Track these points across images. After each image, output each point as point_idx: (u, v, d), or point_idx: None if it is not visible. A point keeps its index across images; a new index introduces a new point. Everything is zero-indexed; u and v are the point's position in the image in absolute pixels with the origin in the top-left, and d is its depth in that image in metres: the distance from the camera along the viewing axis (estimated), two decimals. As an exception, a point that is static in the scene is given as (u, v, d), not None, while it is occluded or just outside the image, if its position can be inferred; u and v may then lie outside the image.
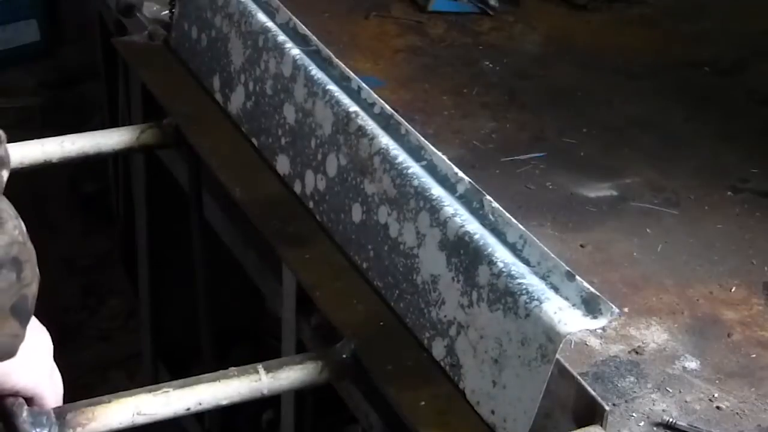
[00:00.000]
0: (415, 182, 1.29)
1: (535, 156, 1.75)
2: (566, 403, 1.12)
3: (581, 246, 1.54)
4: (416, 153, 1.33)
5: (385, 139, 1.35)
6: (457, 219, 1.22)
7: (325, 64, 1.50)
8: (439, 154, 1.31)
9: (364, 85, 1.43)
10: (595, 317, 1.09)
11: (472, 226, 1.21)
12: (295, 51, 1.53)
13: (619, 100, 1.94)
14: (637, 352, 1.35)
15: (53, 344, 1.17)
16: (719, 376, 1.32)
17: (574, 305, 1.10)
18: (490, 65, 2.04)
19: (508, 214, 1.22)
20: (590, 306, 1.10)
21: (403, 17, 2.20)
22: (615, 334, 1.38)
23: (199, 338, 2.02)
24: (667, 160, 1.77)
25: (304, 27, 1.57)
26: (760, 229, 1.61)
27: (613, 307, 1.09)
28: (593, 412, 1.10)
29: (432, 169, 1.30)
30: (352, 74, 1.46)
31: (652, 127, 1.86)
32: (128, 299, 2.97)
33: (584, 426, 1.10)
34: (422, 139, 1.33)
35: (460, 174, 1.27)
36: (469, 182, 1.26)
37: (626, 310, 1.42)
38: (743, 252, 1.56)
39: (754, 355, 1.36)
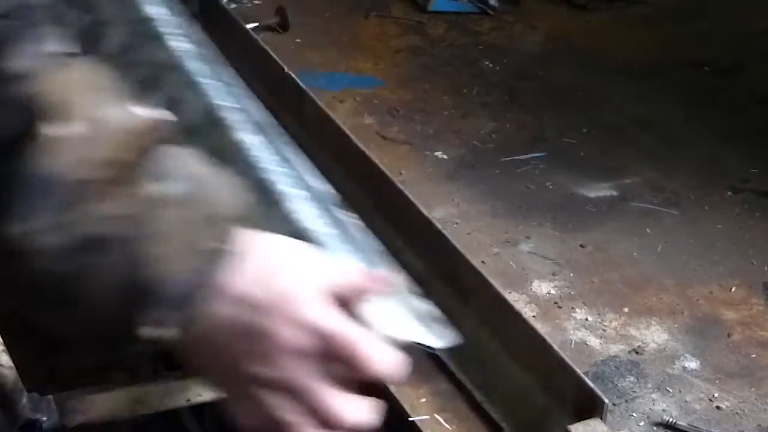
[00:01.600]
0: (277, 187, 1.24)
1: (535, 156, 1.75)
2: (566, 397, 1.12)
3: (581, 246, 1.54)
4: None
5: None
6: None
7: (203, 61, 1.46)
8: (306, 163, 1.26)
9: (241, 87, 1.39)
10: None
11: None
12: (176, 44, 1.48)
13: (619, 100, 1.94)
14: (637, 352, 1.35)
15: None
16: (719, 376, 1.32)
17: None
18: (490, 65, 2.04)
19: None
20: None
21: (403, 17, 2.20)
22: (615, 334, 1.38)
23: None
24: (667, 160, 1.77)
25: (189, 23, 1.53)
26: (760, 229, 1.61)
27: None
28: (593, 406, 1.10)
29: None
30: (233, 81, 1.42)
31: (652, 127, 1.86)
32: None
33: (584, 419, 1.10)
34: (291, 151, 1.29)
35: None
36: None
37: (626, 309, 1.42)
38: (743, 252, 1.56)
39: (754, 355, 1.36)
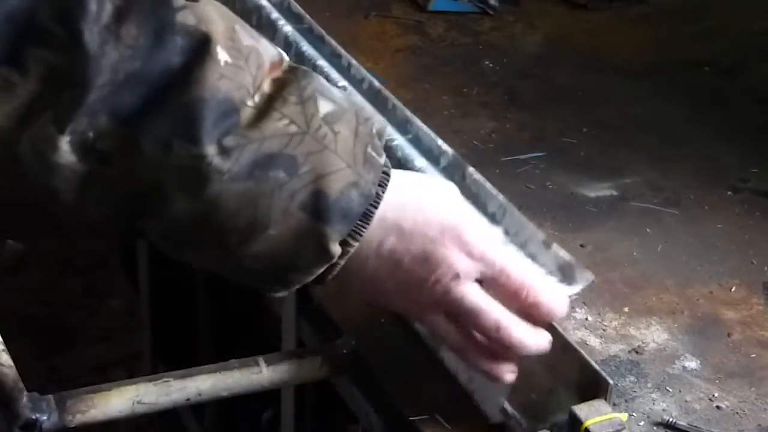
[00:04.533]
0: (399, 154, 1.27)
1: (535, 156, 1.75)
2: (570, 378, 1.11)
3: (581, 246, 1.54)
4: (402, 126, 1.31)
5: None
6: None
7: (317, 42, 1.48)
8: (425, 127, 1.30)
9: (354, 61, 1.42)
10: (569, 284, 1.09)
11: None
12: (288, 28, 1.50)
13: (619, 99, 1.94)
14: (637, 352, 1.35)
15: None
16: (719, 375, 1.32)
17: (550, 272, 1.10)
18: (491, 65, 2.04)
19: (489, 185, 1.20)
20: (566, 273, 1.10)
21: (403, 17, 2.20)
22: (615, 333, 1.38)
23: (199, 338, 2.02)
24: (667, 160, 1.77)
25: (297, 6, 1.55)
26: (760, 229, 1.61)
27: (589, 273, 1.09)
28: (597, 387, 1.09)
29: (417, 142, 1.29)
30: (343, 51, 1.44)
31: (652, 127, 1.86)
32: (128, 299, 2.97)
33: (589, 400, 1.10)
34: (409, 112, 1.32)
35: (445, 146, 1.26)
36: (453, 154, 1.25)
37: (626, 309, 1.42)
38: (743, 252, 1.56)
39: (754, 355, 1.36)
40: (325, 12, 2.18)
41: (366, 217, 0.96)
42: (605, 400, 1.09)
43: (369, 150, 0.95)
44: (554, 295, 1.06)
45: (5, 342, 1.21)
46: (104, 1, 0.86)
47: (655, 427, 1.23)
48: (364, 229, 0.96)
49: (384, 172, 0.98)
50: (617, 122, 1.87)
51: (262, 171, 0.90)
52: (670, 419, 1.23)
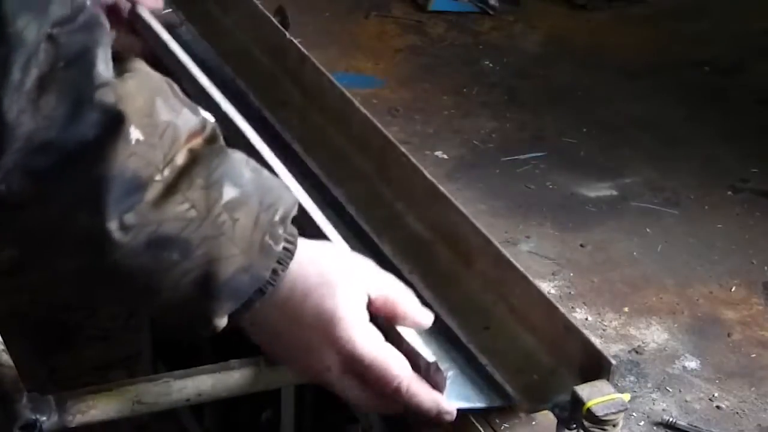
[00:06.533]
0: None
1: (535, 156, 1.75)
2: (572, 359, 1.11)
3: (581, 246, 1.54)
4: None
5: None
6: None
7: None
8: None
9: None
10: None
11: None
12: None
13: (619, 99, 1.94)
14: (637, 352, 1.35)
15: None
16: (719, 375, 1.32)
17: None
18: (490, 65, 2.04)
19: None
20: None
21: (403, 17, 2.20)
22: (615, 333, 1.38)
23: (199, 338, 2.01)
24: (667, 159, 1.77)
25: None
26: (760, 229, 1.61)
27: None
28: (599, 367, 1.09)
29: None
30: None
31: (652, 127, 1.86)
32: (128, 299, 2.96)
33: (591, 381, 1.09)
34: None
35: None
36: None
37: (626, 309, 1.43)
38: (743, 252, 1.56)
39: (754, 355, 1.36)
40: (325, 12, 2.18)
41: (257, 295, 1.01)
42: (607, 380, 1.09)
43: (266, 238, 0.99)
44: (420, 395, 1.08)
45: (5, 342, 1.21)
46: (29, 70, 0.88)
47: (655, 427, 1.23)
48: (253, 306, 1.01)
49: (280, 259, 1.01)
50: (617, 122, 1.87)
51: (157, 250, 0.95)
52: (670, 419, 1.23)
